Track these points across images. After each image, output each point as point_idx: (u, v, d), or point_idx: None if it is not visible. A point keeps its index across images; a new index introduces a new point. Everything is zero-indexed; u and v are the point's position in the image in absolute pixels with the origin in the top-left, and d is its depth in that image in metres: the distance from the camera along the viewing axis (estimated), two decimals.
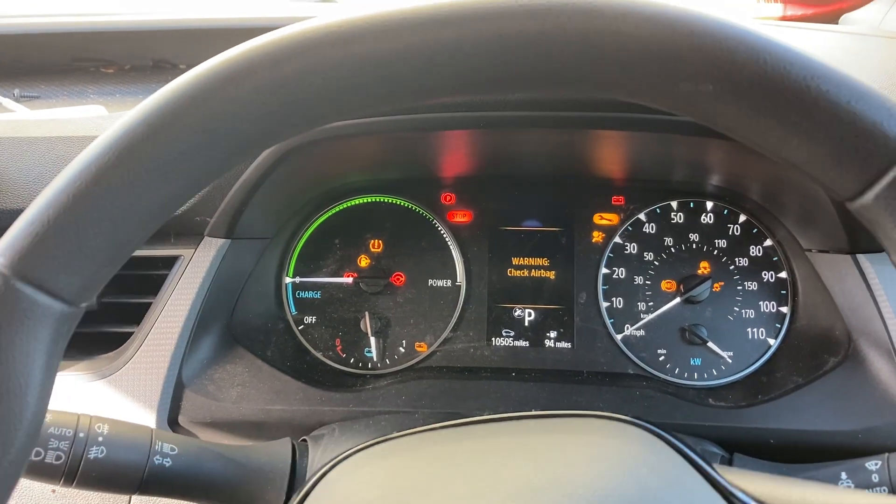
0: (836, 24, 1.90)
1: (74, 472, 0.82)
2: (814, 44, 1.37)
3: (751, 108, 0.48)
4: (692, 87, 0.49)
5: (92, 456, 0.83)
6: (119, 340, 1.19)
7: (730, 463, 0.97)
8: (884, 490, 0.81)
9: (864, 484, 0.82)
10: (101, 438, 0.85)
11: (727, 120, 0.50)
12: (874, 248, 1.13)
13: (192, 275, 1.19)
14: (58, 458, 0.82)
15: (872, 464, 0.84)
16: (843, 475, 0.84)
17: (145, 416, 1.13)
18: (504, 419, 0.80)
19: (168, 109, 0.51)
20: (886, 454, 0.84)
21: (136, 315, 1.19)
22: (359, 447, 0.80)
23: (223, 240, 1.21)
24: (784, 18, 2.07)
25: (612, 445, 0.73)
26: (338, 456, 0.80)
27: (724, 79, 0.48)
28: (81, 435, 0.84)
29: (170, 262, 1.20)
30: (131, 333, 1.19)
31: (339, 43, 0.50)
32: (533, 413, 0.81)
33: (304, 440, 1.02)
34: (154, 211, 0.54)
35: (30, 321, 0.50)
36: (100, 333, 1.19)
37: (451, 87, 0.52)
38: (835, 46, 1.38)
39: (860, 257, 1.14)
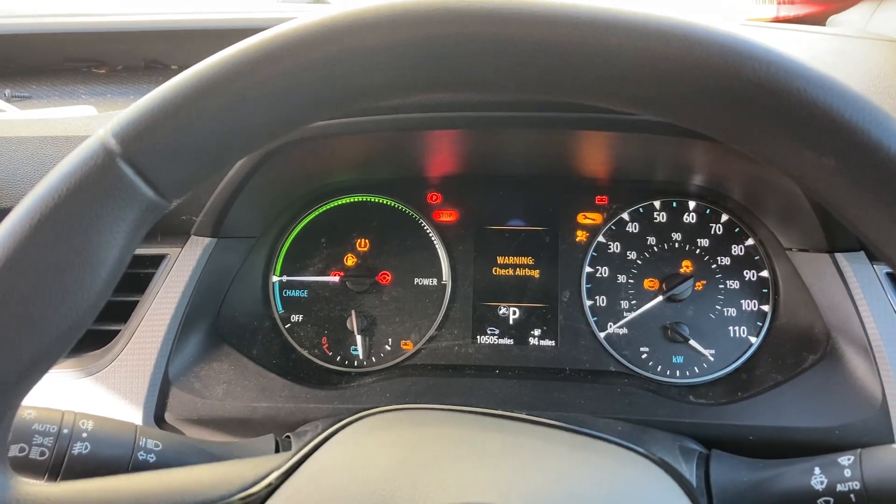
0: (824, 25, 1.91)
1: (59, 467, 0.83)
2: (802, 46, 1.38)
3: (867, 191, 0.47)
4: (813, 157, 0.48)
5: (76, 451, 0.84)
6: (106, 338, 1.20)
7: (707, 459, 0.98)
8: (856, 485, 0.82)
9: (837, 478, 0.83)
10: (85, 434, 0.85)
11: (832, 195, 0.49)
12: (852, 247, 1.15)
13: (178, 273, 1.20)
14: (42, 453, 0.83)
15: (845, 459, 0.85)
16: (817, 470, 0.85)
17: (132, 414, 1.14)
18: (522, 420, 0.81)
19: (313, 37, 0.52)
20: (859, 450, 0.85)
21: (123, 313, 1.20)
22: (359, 416, 0.81)
23: (209, 239, 1.22)
24: (776, 20, 2.08)
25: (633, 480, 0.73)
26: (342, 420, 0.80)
27: (851, 156, 0.46)
28: (66, 431, 0.84)
29: (157, 260, 1.21)
30: (118, 331, 1.20)
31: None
32: (556, 423, 0.81)
33: (288, 436, 1.03)
34: (265, 130, 0.56)
35: (122, 201, 0.53)
36: (87, 331, 1.19)
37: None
38: (821, 48, 1.39)
39: (838, 256, 1.15)
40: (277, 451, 0.97)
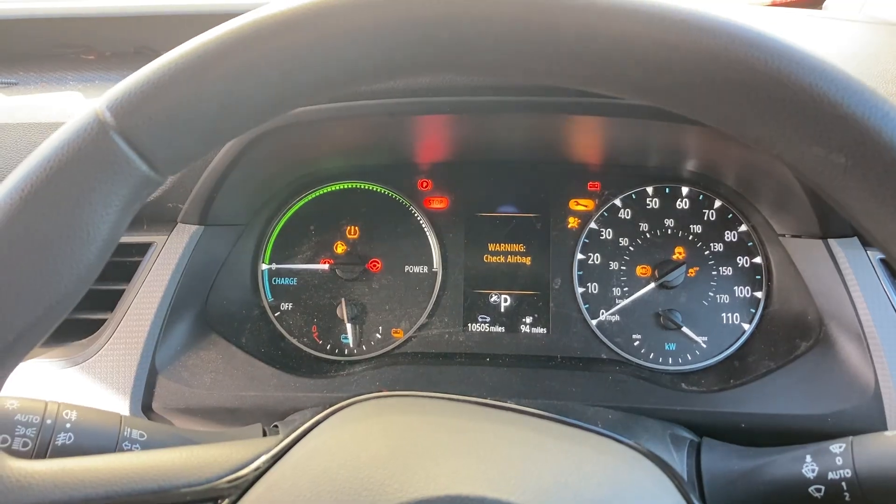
0: (820, 8, 1.90)
1: (42, 459, 0.82)
2: (799, 29, 1.37)
3: (874, 191, 0.46)
4: (823, 153, 0.47)
5: (60, 442, 0.83)
6: (92, 327, 1.19)
7: (698, 447, 0.97)
8: (847, 472, 0.81)
9: (828, 466, 0.83)
10: (68, 425, 0.84)
11: (839, 191, 0.48)
12: (845, 233, 1.14)
13: (164, 261, 1.18)
14: (25, 444, 0.82)
15: (837, 447, 0.84)
16: (808, 458, 0.85)
17: (118, 403, 1.13)
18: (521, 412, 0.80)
19: (313, 14, 0.52)
20: (850, 437, 0.85)
21: (109, 302, 1.19)
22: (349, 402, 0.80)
23: (196, 226, 1.21)
24: (773, 4, 2.07)
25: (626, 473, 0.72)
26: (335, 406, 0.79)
27: (861, 156, 0.46)
28: (49, 422, 0.83)
29: (143, 248, 1.20)
30: (104, 320, 1.19)
31: None
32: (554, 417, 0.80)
33: (276, 425, 1.02)
34: (260, 108, 0.55)
35: (116, 175, 0.53)
36: (72, 320, 1.18)
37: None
38: (818, 32, 1.38)
39: (831, 242, 1.14)
40: None
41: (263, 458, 0.70)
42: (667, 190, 1.37)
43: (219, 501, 0.66)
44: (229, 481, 0.67)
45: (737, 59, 0.47)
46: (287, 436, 0.73)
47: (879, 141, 0.45)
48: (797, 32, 1.34)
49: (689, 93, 0.50)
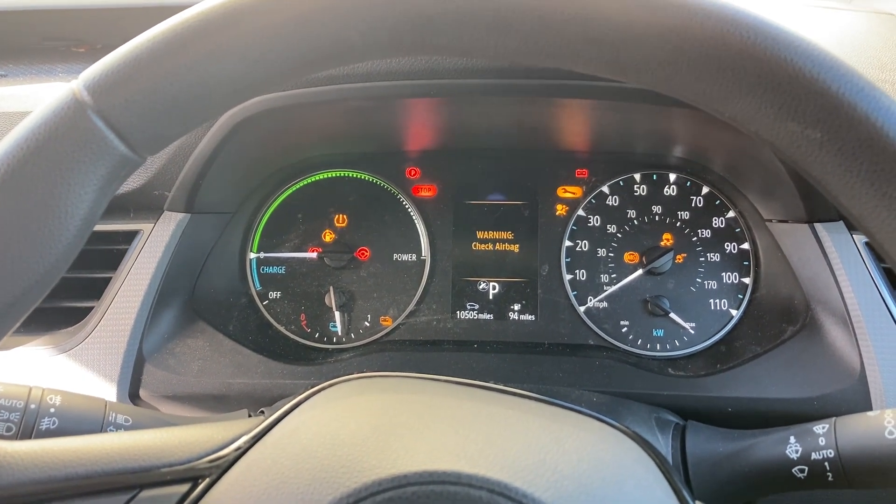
0: None
1: None
2: (785, 16, 1.37)
3: (849, 166, 0.46)
4: (798, 129, 0.47)
5: (44, 427, 0.83)
6: (79, 315, 1.19)
7: (683, 430, 0.97)
8: (829, 453, 0.81)
9: (812, 447, 0.83)
10: (52, 410, 0.84)
11: (815, 167, 0.48)
12: (830, 217, 1.14)
13: (151, 249, 1.19)
14: (8, 429, 0.82)
15: (820, 427, 0.84)
16: (792, 439, 0.85)
17: (106, 390, 1.13)
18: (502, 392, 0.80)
19: None
20: (833, 418, 0.85)
21: (96, 290, 1.19)
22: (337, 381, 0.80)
23: (183, 214, 1.21)
24: None
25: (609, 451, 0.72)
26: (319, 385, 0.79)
27: (836, 130, 0.46)
28: (33, 406, 0.84)
29: (129, 236, 1.20)
30: (91, 308, 1.19)
31: None
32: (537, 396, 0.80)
33: (262, 411, 1.02)
34: (238, 87, 0.55)
35: (94, 154, 0.53)
36: (59, 308, 1.18)
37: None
38: (804, 19, 1.38)
39: (817, 226, 1.14)
40: None
41: (244, 438, 0.70)
42: (654, 176, 1.37)
43: (199, 481, 0.66)
44: (210, 461, 0.67)
45: (712, 35, 0.47)
46: (268, 417, 0.73)
47: (854, 115, 0.45)
48: (787, 20, 1.34)
49: (665, 69, 0.50)
